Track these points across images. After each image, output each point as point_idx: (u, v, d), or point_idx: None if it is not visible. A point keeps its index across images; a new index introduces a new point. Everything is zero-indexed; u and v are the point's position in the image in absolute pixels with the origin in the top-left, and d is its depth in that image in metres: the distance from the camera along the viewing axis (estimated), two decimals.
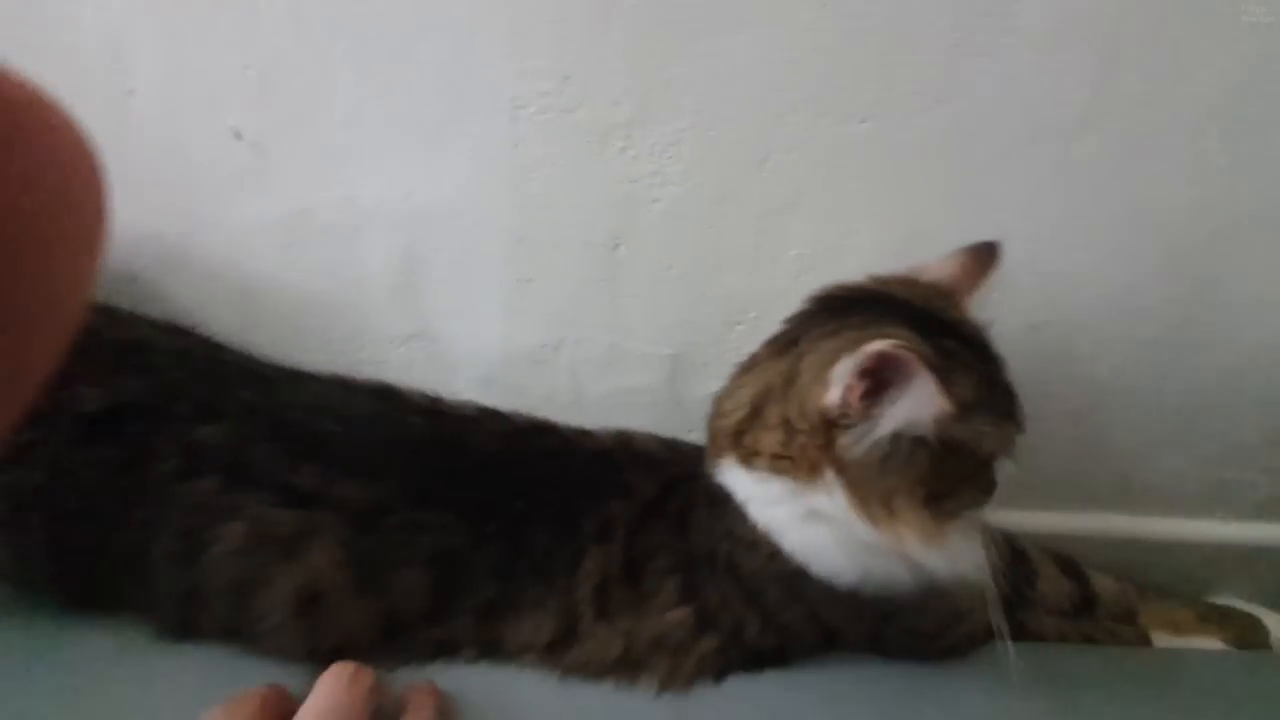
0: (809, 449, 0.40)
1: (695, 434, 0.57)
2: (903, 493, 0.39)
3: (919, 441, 0.38)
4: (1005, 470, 0.42)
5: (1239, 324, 0.53)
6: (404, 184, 0.52)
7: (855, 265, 0.48)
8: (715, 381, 0.57)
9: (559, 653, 0.46)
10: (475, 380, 0.59)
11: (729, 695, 0.46)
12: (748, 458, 0.43)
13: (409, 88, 0.49)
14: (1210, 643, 0.58)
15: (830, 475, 0.39)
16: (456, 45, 0.48)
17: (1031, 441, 0.42)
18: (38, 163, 0.17)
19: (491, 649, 0.46)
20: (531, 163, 0.51)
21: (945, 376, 0.36)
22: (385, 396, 0.51)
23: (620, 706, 0.45)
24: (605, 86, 0.48)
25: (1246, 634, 0.59)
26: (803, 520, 0.42)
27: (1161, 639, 0.57)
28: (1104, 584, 0.59)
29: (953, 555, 0.41)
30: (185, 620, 0.45)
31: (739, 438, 0.43)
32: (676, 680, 0.46)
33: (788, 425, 0.40)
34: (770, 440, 0.41)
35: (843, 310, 0.42)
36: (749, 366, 0.45)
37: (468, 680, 0.45)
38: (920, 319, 0.41)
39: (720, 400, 0.47)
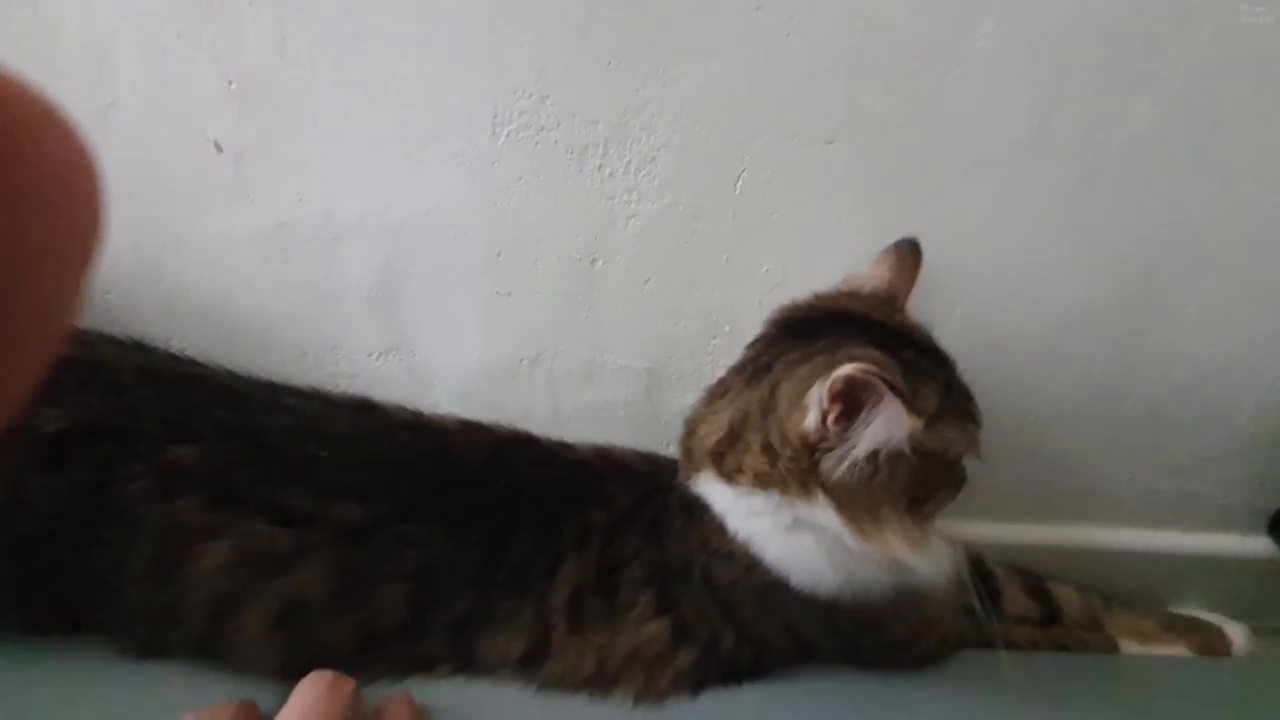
0: (794, 472, 0.41)
1: (673, 447, 0.58)
2: (888, 503, 0.40)
3: (897, 455, 0.39)
4: (971, 466, 0.43)
5: (1190, 338, 0.56)
6: (384, 198, 0.53)
7: (824, 280, 0.50)
8: (692, 395, 0.58)
9: (533, 668, 0.45)
10: (453, 394, 0.59)
11: (705, 708, 0.46)
12: (730, 474, 0.43)
13: (390, 104, 0.50)
14: (1176, 651, 0.59)
15: (820, 495, 0.40)
16: (438, 63, 0.49)
17: (993, 455, 0.44)
18: (35, 176, 0.16)
19: (466, 664, 0.45)
20: (510, 179, 0.52)
21: (911, 391, 0.38)
22: (367, 410, 0.51)
23: (598, 719, 0.44)
24: (583, 106, 0.50)
25: (1210, 643, 0.60)
26: (786, 530, 0.42)
27: (1129, 647, 0.58)
28: (1068, 597, 0.60)
29: (935, 557, 0.43)
30: (155, 639, 0.44)
31: (719, 457, 0.44)
32: (652, 694, 0.46)
33: (770, 450, 0.41)
34: (754, 461, 0.42)
35: (807, 333, 0.44)
36: (720, 393, 0.46)
37: (444, 693, 0.44)
38: (878, 332, 0.43)
39: (692, 423, 0.47)
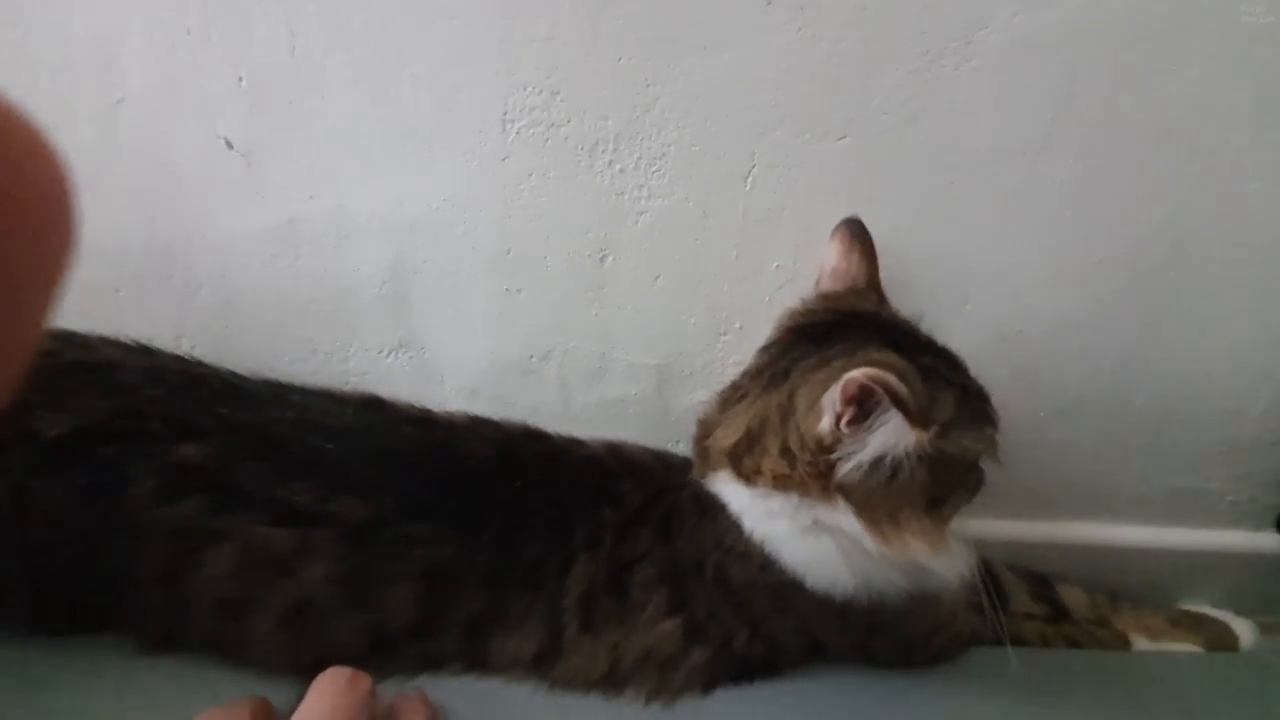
0: (814, 475, 0.41)
1: (683, 444, 0.58)
2: (907, 506, 0.40)
3: (915, 459, 0.39)
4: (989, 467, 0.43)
5: (1200, 334, 0.56)
6: (394, 195, 0.53)
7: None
8: (702, 391, 0.58)
9: (544, 667, 0.45)
10: (463, 391, 0.59)
11: (716, 706, 0.46)
12: (748, 475, 0.43)
13: (401, 100, 0.50)
14: (1186, 646, 0.59)
15: (840, 499, 0.40)
16: (449, 59, 0.49)
17: (1002, 452, 0.44)
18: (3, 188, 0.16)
19: (478, 663, 0.45)
20: (521, 175, 0.52)
21: (929, 398, 0.38)
22: (374, 407, 0.51)
23: (609, 717, 0.45)
24: (593, 102, 0.50)
25: (1217, 639, 0.60)
26: (804, 532, 0.42)
27: (1140, 643, 0.58)
28: (1074, 597, 0.60)
29: (953, 558, 0.43)
30: (167, 639, 0.44)
31: (737, 458, 0.43)
32: (664, 693, 0.46)
33: (789, 453, 0.41)
34: (773, 464, 0.42)
35: (822, 338, 0.43)
36: (736, 398, 0.46)
37: (456, 690, 0.44)
38: (892, 334, 0.43)
39: (707, 424, 0.47)
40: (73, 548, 0.43)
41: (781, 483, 0.42)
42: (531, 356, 0.58)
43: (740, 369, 0.49)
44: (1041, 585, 0.59)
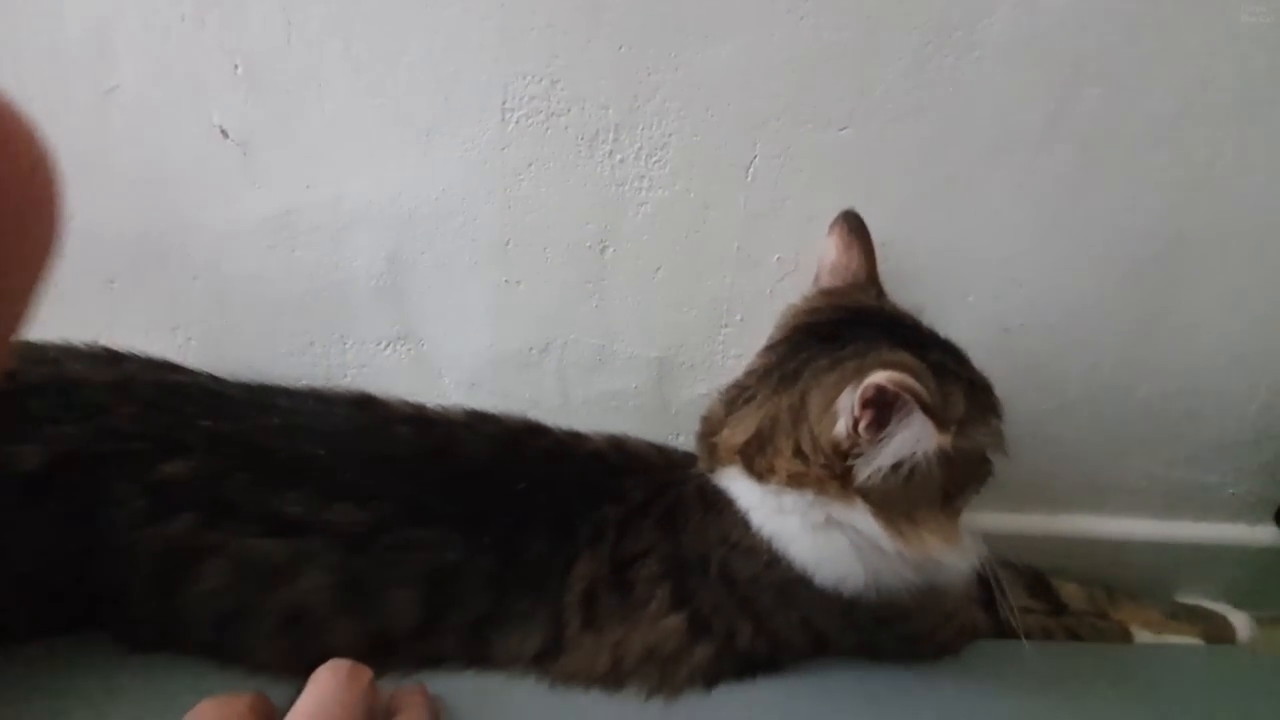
0: (831, 475, 0.40)
1: (683, 438, 0.58)
2: (924, 504, 0.40)
3: (932, 459, 0.39)
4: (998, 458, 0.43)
5: (1201, 328, 0.56)
6: (392, 185, 0.53)
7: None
8: (703, 384, 0.58)
9: (545, 664, 0.45)
10: (462, 384, 0.59)
11: (720, 702, 0.46)
12: (761, 473, 0.42)
13: (398, 89, 0.50)
14: (1187, 639, 0.59)
15: (859, 499, 0.40)
16: (447, 47, 0.49)
17: (1008, 442, 0.44)
18: None
19: (478, 660, 0.45)
20: (520, 165, 0.52)
21: (942, 396, 0.38)
22: (366, 406, 0.50)
23: (612, 712, 0.44)
24: (593, 91, 0.49)
25: (1215, 632, 0.61)
26: (816, 529, 0.42)
27: (1141, 635, 0.59)
28: (1071, 592, 0.60)
29: (965, 551, 0.42)
30: (162, 648, 0.43)
31: (748, 457, 0.43)
32: (667, 689, 0.45)
33: (802, 455, 0.41)
34: (786, 463, 0.41)
35: (831, 337, 0.43)
36: (744, 399, 0.45)
37: (456, 684, 0.44)
38: (899, 331, 0.43)
39: (712, 422, 0.46)
40: (61, 574, 0.42)
41: (796, 480, 0.41)
42: (531, 349, 0.58)
43: (743, 364, 0.49)
44: (1038, 581, 0.59)
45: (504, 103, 0.50)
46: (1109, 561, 0.63)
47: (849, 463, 0.39)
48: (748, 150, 0.51)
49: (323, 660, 0.40)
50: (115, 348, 0.49)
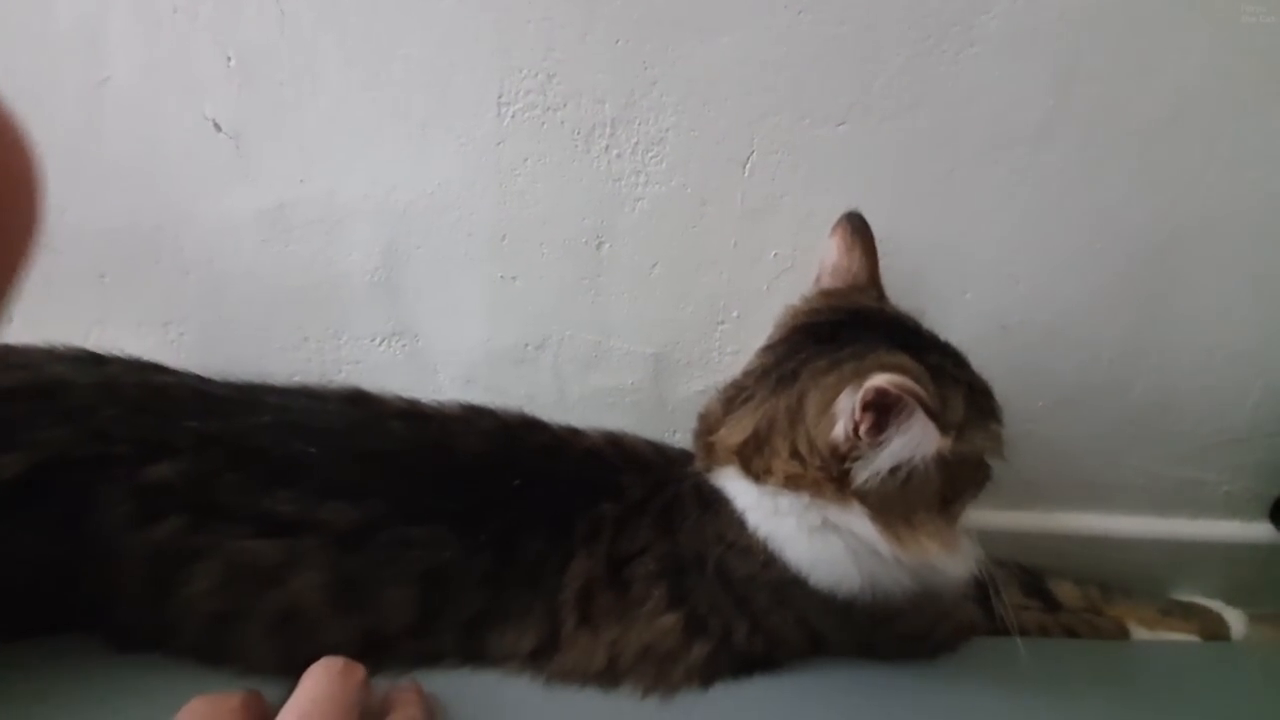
0: (828, 478, 0.40)
1: (680, 435, 0.58)
2: (922, 508, 0.40)
3: (931, 463, 0.39)
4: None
5: (1198, 325, 0.56)
6: (387, 180, 0.52)
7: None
8: (699, 381, 0.58)
9: (541, 661, 0.45)
10: (457, 380, 0.59)
11: (716, 700, 0.46)
12: (758, 474, 0.42)
13: (394, 82, 0.49)
14: (1183, 636, 0.59)
15: (855, 503, 0.40)
16: (443, 41, 0.48)
17: (1006, 446, 0.43)
18: None
19: (474, 658, 0.45)
20: (516, 160, 0.51)
21: (941, 400, 0.38)
22: (358, 402, 0.49)
23: (610, 708, 0.44)
24: (590, 85, 0.49)
25: (1209, 628, 0.61)
26: (812, 531, 0.41)
27: (1138, 632, 0.59)
28: (1065, 590, 0.60)
29: (963, 555, 0.42)
30: (153, 649, 0.43)
31: (745, 457, 0.43)
32: (662, 687, 0.45)
33: (799, 456, 0.41)
34: (784, 465, 0.41)
35: (829, 338, 0.43)
36: (742, 399, 0.44)
37: (451, 681, 0.44)
38: (898, 333, 0.42)
39: (710, 420, 0.46)
40: (48, 580, 0.41)
41: (793, 482, 0.41)
42: (527, 345, 0.57)
43: (739, 361, 0.48)
44: (1032, 580, 0.59)
45: (500, 97, 0.49)
46: (1104, 559, 0.63)
47: (847, 465, 0.39)
48: (745, 146, 0.51)
49: (316, 658, 0.39)
50: (99, 348, 0.49)
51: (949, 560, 0.41)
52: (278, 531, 0.42)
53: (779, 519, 0.42)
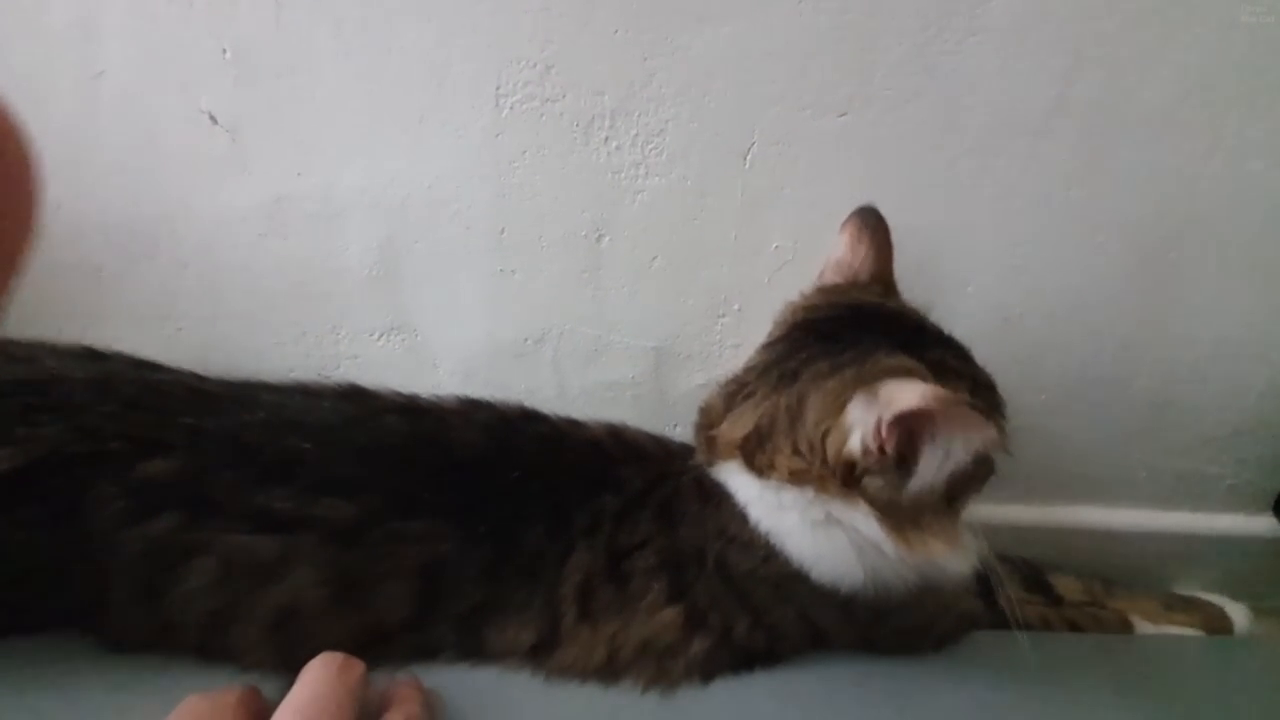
0: (829, 476, 0.40)
1: (681, 429, 0.57)
2: (929, 508, 0.40)
3: (982, 456, 0.39)
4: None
5: (1201, 318, 0.55)
6: (385, 173, 0.52)
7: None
8: (700, 374, 0.58)
9: (540, 657, 0.44)
10: (456, 374, 0.58)
11: (716, 695, 0.45)
12: (761, 469, 0.42)
13: (391, 74, 0.49)
14: (1187, 630, 0.59)
15: (862, 503, 0.40)
16: (440, 32, 0.48)
17: (1009, 440, 0.43)
18: None
19: (473, 653, 0.44)
20: (514, 153, 0.51)
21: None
22: (353, 398, 0.49)
23: (609, 704, 0.44)
24: (589, 76, 0.48)
25: (1212, 623, 0.60)
26: (815, 526, 0.41)
27: (1142, 626, 0.58)
28: (1066, 584, 0.60)
29: (966, 551, 0.42)
30: (150, 649, 0.43)
31: (748, 452, 0.42)
32: (662, 682, 0.45)
33: (801, 455, 0.40)
34: (787, 460, 0.41)
35: (830, 337, 0.42)
36: (743, 394, 0.44)
37: (451, 677, 0.43)
38: (898, 330, 0.42)
39: (711, 414, 0.46)
40: (42, 578, 0.41)
41: (798, 477, 0.41)
42: (526, 339, 0.57)
43: (741, 354, 0.48)
44: (1034, 574, 0.59)
45: (497, 88, 0.49)
46: (1106, 552, 0.63)
47: (857, 474, 0.39)
48: (746, 137, 0.50)
49: (314, 653, 0.39)
50: (98, 344, 0.49)
51: (952, 558, 0.41)
52: (273, 528, 0.41)
53: (781, 513, 0.42)
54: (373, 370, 0.57)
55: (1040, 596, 0.58)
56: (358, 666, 0.38)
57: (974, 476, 0.42)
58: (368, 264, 0.55)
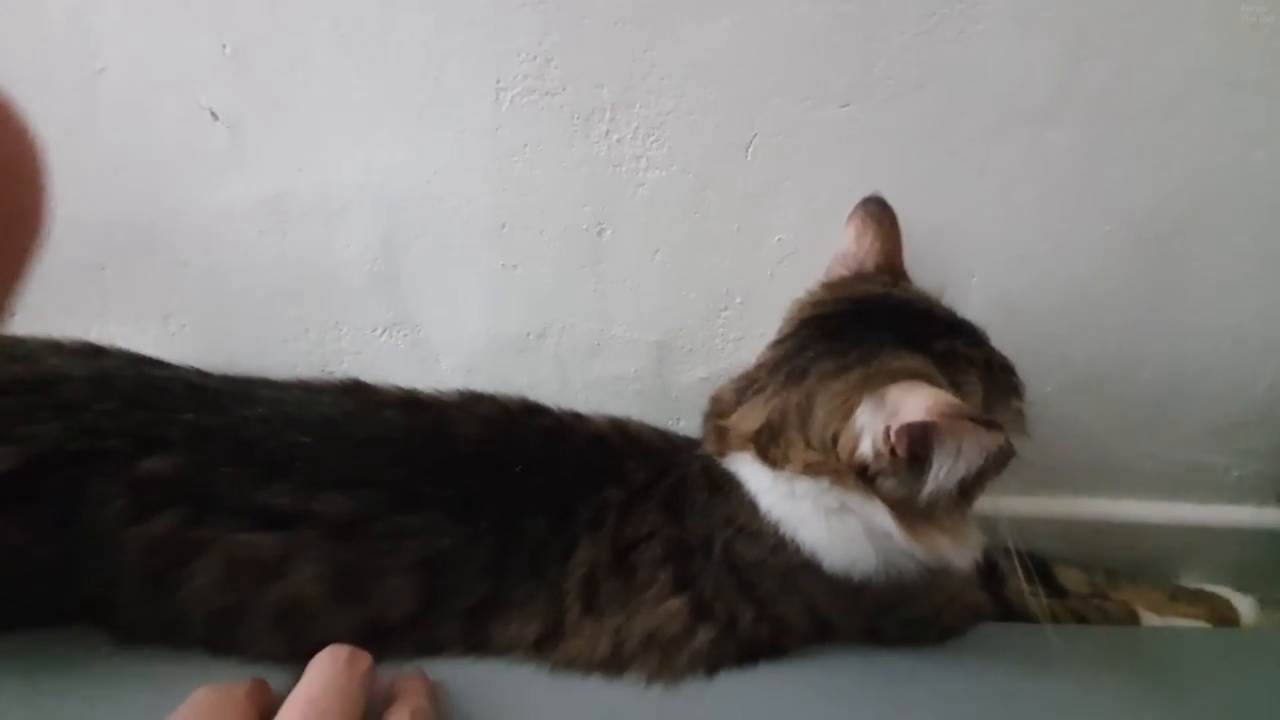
0: (845, 469, 0.40)
1: (683, 422, 0.57)
2: (943, 503, 0.40)
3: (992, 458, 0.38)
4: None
5: (1207, 308, 0.55)
6: (384, 168, 0.52)
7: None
8: (703, 368, 0.58)
9: (545, 650, 0.45)
10: (458, 369, 0.58)
11: (721, 687, 0.45)
12: (775, 461, 0.42)
13: (389, 68, 0.49)
14: (1193, 621, 0.59)
15: (878, 499, 0.40)
16: (438, 25, 0.48)
17: (1030, 423, 0.43)
18: None
19: (477, 646, 0.45)
20: (514, 147, 0.51)
21: (953, 384, 0.37)
22: (353, 393, 0.49)
23: (614, 696, 0.44)
24: (588, 69, 0.48)
25: (1218, 614, 0.60)
26: (829, 514, 0.41)
27: (1149, 618, 0.58)
28: (1071, 576, 0.59)
29: (974, 545, 0.42)
30: (159, 640, 0.43)
31: (761, 446, 0.42)
32: (667, 674, 0.45)
33: (813, 449, 0.40)
34: (803, 455, 0.41)
35: (836, 333, 0.42)
36: (754, 390, 0.44)
37: (457, 669, 0.44)
38: (905, 321, 0.42)
39: (722, 404, 0.46)
40: (43, 578, 0.41)
41: (814, 469, 0.40)
42: (528, 334, 0.57)
43: (743, 347, 0.48)
44: (1038, 566, 0.59)
45: (497, 82, 0.49)
46: (1112, 544, 0.63)
47: (870, 474, 0.39)
48: (747, 129, 0.50)
49: (318, 648, 0.39)
50: (99, 341, 0.49)
51: (959, 552, 0.41)
52: (275, 524, 0.41)
53: (794, 502, 0.42)
54: (375, 366, 0.57)
55: (1044, 588, 0.58)
56: (365, 658, 0.38)
57: (991, 468, 0.41)
58: (369, 260, 0.54)
